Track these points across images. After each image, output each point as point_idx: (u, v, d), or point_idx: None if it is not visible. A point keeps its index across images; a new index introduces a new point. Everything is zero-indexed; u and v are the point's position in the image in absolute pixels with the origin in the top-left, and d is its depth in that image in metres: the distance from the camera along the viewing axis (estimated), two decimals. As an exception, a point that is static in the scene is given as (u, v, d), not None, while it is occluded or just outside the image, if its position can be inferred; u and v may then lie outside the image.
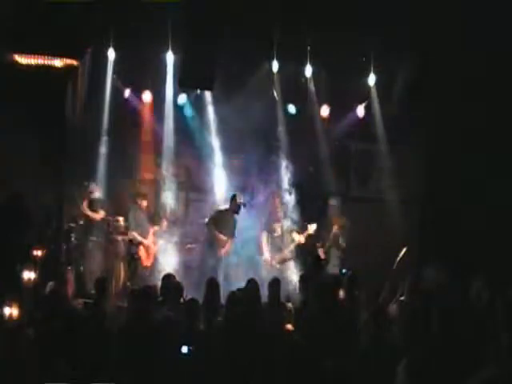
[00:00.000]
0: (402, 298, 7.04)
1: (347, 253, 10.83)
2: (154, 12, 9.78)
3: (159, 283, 7.62)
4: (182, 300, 7.02)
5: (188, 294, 7.14)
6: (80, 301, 9.01)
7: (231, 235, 10.67)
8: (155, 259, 10.73)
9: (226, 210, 10.77)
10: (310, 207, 11.40)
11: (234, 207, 10.69)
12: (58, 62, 10.23)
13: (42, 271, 8.69)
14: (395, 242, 10.46)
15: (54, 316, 6.48)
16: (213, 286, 6.97)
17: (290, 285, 10.09)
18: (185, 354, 5.80)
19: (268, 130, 11.62)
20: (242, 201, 10.68)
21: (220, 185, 11.51)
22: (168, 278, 7.66)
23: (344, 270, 10.06)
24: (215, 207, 11.11)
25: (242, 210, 10.76)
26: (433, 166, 11.47)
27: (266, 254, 10.91)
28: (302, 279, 7.83)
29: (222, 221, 10.67)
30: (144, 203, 10.88)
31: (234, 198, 10.75)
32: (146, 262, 10.70)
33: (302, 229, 10.98)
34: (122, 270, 10.51)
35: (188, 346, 5.82)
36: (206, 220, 10.88)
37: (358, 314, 6.64)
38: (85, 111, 10.82)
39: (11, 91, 9.55)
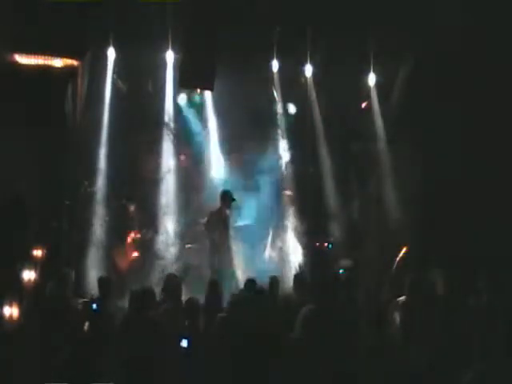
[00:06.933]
0: (402, 298, 7.05)
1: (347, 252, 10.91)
2: (154, 12, 9.79)
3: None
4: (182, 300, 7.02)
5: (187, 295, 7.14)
6: (80, 301, 9.00)
7: (227, 233, 10.66)
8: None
9: (219, 210, 10.75)
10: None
11: (226, 204, 10.67)
12: (57, 62, 10.22)
13: (42, 271, 8.68)
14: (395, 241, 10.45)
15: (54, 316, 6.49)
16: (214, 286, 6.97)
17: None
18: (185, 348, 5.80)
19: (268, 129, 11.62)
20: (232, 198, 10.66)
21: (219, 184, 11.50)
22: (169, 278, 7.67)
23: (343, 270, 10.06)
24: (207, 209, 11.08)
25: (246, 209, 10.83)
26: (432, 165, 11.45)
27: (270, 251, 10.95)
28: (297, 279, 7.83)
29: (217, 220, 10.65)
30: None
31: (224, 195, 10.70)
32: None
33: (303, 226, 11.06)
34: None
35: (188, 339, 5.81)
36: (204, 222, 10.90)
37: (357, 314, 6.64)
38: (85, 111, 10.82)
39: (11, 91, 9.55)
